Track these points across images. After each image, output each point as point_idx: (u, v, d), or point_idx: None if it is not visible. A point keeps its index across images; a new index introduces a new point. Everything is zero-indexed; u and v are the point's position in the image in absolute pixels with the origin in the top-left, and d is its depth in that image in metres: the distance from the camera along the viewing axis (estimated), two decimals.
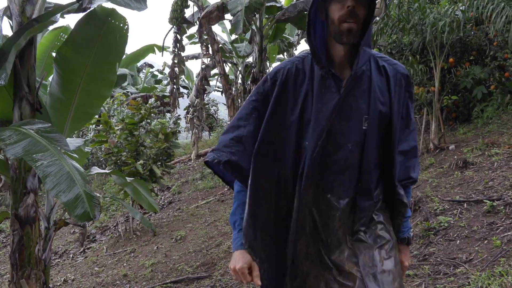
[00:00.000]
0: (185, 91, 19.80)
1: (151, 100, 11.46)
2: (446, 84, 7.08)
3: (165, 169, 7.90)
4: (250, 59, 12.00)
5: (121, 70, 16.28)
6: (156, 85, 20.22)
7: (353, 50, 1.61)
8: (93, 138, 9.20)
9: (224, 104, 11.66)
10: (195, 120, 13.15)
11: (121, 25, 3.58)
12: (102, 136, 7.49)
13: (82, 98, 3.73)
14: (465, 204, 4.32)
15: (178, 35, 10.70)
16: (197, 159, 13.28)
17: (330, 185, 1.63)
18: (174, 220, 7.66)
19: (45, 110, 3.59)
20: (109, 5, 3.49)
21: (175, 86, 11.24)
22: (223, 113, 22.85)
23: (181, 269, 5.16)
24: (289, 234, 1.68)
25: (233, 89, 12.86)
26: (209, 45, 10.59)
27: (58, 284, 5.88)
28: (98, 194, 4.20)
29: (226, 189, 9.12)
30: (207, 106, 19.18)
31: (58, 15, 3.29)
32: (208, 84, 12.30)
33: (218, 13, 9.36)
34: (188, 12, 11.57)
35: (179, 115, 13.16)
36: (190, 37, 14.22)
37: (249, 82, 11.40)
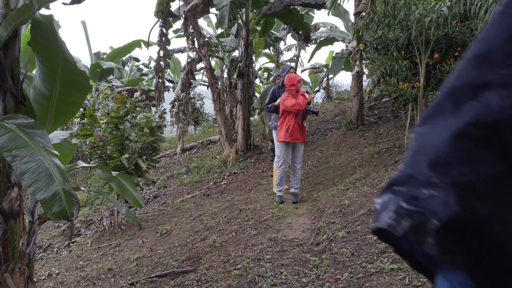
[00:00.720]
0: (171, 84, 19.74)
1: (137, 94, 11.40)
2: (431, 80, 7.15)
3: (150, 163, 7.88)
4: (236, 53, 11.97)
5: (108, 64, 16.13)
6: (143, 77, 20.13)
7: None
8: (78, 132, 9.12)
9: (210, 99, 11.62)
10: (180, 114, 13.11)
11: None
12: (87, 130, 7.43)
13: (63, 92, 3.67)
14: None
15: (163, 29, 10.64)
16: (183, 153, 13.25)
17: None
18: (159, 214, 7.64)
19: (29, 103, 3.53)
20: None
21: (160, 80, 11.18)
22: (208, 107, 22.85)
23: (166, 263, 5.15)
24: None
25: (219, 83, 12.84)
26: (195, 39, 10.55)
27: (42, 278, 5.83)
28: (83, 188, 4.16)
29: (211, 183, 9.12)
30: (192, 100, 19.16)
31: (39, 6, 3.22)
32: (194, 78, 12.26)
33: (203, 7, 9.32)
34: (174, 6, 11.54)
35: (164, 109, 13.11)
36: (176, 31, 14.17)
37: (235, 77, 11.38)
